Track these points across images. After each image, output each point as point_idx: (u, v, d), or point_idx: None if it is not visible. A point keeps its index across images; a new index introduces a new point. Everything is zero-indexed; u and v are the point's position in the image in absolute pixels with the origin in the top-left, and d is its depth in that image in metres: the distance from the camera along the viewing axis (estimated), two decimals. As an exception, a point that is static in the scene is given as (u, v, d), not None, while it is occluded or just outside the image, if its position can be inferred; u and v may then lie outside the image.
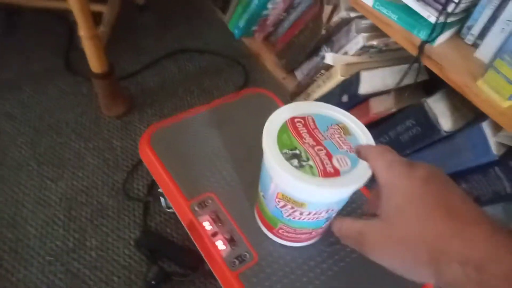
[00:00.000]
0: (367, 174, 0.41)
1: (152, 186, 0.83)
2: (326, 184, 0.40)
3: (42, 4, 1.05)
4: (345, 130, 0.45)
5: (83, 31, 0.76)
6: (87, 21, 0.75)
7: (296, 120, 0.46)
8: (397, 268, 0.29)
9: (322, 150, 0.43)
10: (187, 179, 0.62)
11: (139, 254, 0.72)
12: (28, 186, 0.80)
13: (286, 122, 0.45)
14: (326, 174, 0.41)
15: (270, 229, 0.55)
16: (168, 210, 0.78)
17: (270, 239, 0.57)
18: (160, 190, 0.68)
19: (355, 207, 0.63)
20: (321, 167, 0.41)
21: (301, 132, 0.45)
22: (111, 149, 0.89)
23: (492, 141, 0.66)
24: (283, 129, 0.45)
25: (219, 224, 0.58)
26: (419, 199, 0.29)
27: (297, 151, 0.43)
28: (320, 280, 0.54)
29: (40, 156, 0.86)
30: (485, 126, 0.66)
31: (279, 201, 0.47)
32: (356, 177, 0.41)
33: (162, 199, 0.77)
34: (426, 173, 0.30)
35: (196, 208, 0.59)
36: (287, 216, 0.48)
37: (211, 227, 0.58)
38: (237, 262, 0.54)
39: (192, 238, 0.60)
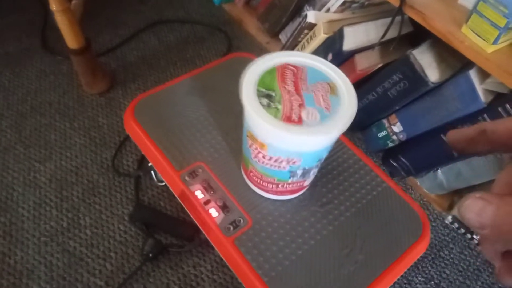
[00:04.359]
0: (330, 133, 0.41)
1: (142, 160, 0.82)
2: (281, 127, 0.40)
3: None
4: (332, 89, 0.44)
5: (54, 5, 0.73)
6: (57, -6, 0.72)
7: (288, 66, 0.46)
8: None
9: (297, 99, 0.43)
10: (175, 150, 0.62)
11: (134, 228, 0.73)
12: (17, 170, 0.79)
13: (277, 65, 0.45)
14: (287, 120, 0.41)
15: (245, 170, 0.56)
16: (160, 183, 0.78)
17: (263, 203, 0.57)
18: (150, 164, 0.67)
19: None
20: (287, 113, 0.41)
21: (286, 78, 0.45)
22: (97, 127, 0.87)
23: (480, 89, 0.65)
24: (271, 71, 0.45)
25: (211, 192, 0.58)
26: None
27: (272, 93, 0.43)
28: (315, 240, 0.55)
29: (26, 139, 0.84)
30: (472, 74, 0.65)
31: (248, 139, 0.48)
32: (316, 130, 0.41)
33: (152, 173, 0.76)
34: None
35: (187, 178, 0.59)
36: (254, 157, 0.49)
37: (203, 195, 0.57)
38: (231, 228, 0.54)
39: (185, 208, 0.60)
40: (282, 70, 0.45)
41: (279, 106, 0.42)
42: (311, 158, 0.47)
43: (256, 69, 0.45)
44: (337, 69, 0.46)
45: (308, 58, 0.47)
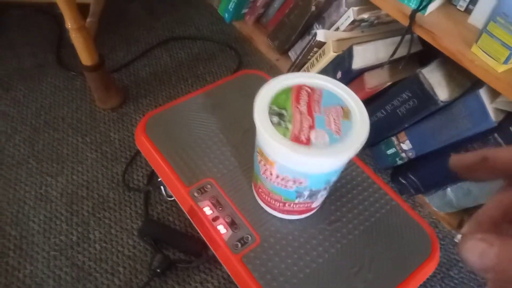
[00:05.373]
0: (337, 157, 0.41)
1: (152, 175, 0.83)
2: (288, 146, 0.40)
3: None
4: (346, 114, 0.44)
5: (69, 23, 0.75)
6: (73, 12, 0.74)
7: (304, 87, 0.46)
8: None
9: (308, 120, 0.43)
10: (185, 166, 0.62)
11: (143, 243, 0.73)
12: (29, 184, 0.80)
13: (294, 85, 0.46)
14: (295, 140, 0.41)
15: (255, 186, 0.56)
16: (169, 199, 0.78)
17: (271, 220, 0.57)
18: (160, 179, 0.68)
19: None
20: (296, 133, 0.41)
21: (300, 98, 0.45)
22: (108, 142, 0.89)
23: (490, 108, 0.65)
24: (286, 90, 0.45)
25: (220, 209, 0.58)
26: None
27: (284, 112, 0.43)
28: (323, 258, 0.55)
29: (38, 153, 0.86)
30: (482, 93, 0.65)
31: (257, 155, 0.48)
32: (322, 153, 0.40)
33: (162, 188, 0.77)
34: None
35: (196, 194, 0.59)
36: (263, 173, 0.49)
37: (211, 211, 0.58)
38: (239, 245, 0.54)
39: (193, 224, 0.61)
40: (297, 90, 0.45)
41: (289, 126, 0.42)
42: (318, 180, 0.46)
43: (272, 88, 0.45)
44: (354, 95, 0.46)
45: (326, 81, 0.47)
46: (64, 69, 1.03)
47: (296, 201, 0.51)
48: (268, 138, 0.41)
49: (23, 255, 0.71)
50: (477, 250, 0.17)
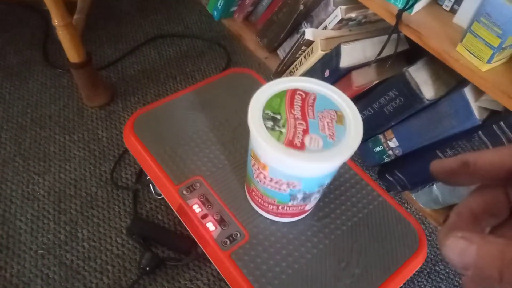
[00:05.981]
0: (331, 161, 0.41)
1: (140, 173, 0.83)
2: (282, 150, 0.41)
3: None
4: (339, 118, 0.44)
5: (56, 20, 0.74)
6: (59, 9, 0.73)
7: (298, 91, 0.46)
8: None
9: (302, 124, 0.43)
10: (174, 164, 0.62)
11: (132, 242, 0.73)
12: (15, 182, 0.79)
13: (287, 89, 0.46)
14: (289, 144, 0.41)
15: (248, 189, 0.56)
16: (158, 197, 0.78)
17: (260, 217, 0.57)
18: (148, 177, 0.67)
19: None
20: (290, 137, 0.42)
21: (295, 102, 0.45)
22: (96, 140, 0.88)
23: (475, 106, 0.66)
24: (280, 94, 0.45)
25: (209, 206, 0.58)
26: None
27: (278, 116, 0.43)
28: (311, 254, 0.55)
29: (25, 152, 0.85)
30: (467, 92, 0.67)
31: (251, 159, 0.48)
32: (317, 157, 0.41)
33: (151, 186, 0.77)
34: None
35: (185, 192, 0.59)
36: (256, 177, 0.49)
37: (200, 209, 0.58)
38: (228, 242, 0.55)
39: (182, 222, 0.61)
40: (291, 94, 0.45)
41: (283, 130, 0.42)
42: (312, 183, 0.47)
43: (265, 92, 0.45)
44: (348, 99, 0.46)
45: (319, 85, 0.47)
46: (51, 66, 1.01)
47: (290, 203, 0.51)
48: (262, 142, 0.41)
49: (10, 255, 0.70)
50: (458, 248, 0.18)
